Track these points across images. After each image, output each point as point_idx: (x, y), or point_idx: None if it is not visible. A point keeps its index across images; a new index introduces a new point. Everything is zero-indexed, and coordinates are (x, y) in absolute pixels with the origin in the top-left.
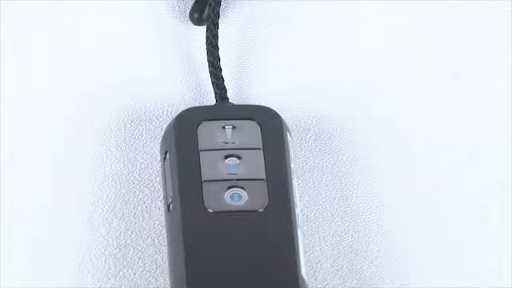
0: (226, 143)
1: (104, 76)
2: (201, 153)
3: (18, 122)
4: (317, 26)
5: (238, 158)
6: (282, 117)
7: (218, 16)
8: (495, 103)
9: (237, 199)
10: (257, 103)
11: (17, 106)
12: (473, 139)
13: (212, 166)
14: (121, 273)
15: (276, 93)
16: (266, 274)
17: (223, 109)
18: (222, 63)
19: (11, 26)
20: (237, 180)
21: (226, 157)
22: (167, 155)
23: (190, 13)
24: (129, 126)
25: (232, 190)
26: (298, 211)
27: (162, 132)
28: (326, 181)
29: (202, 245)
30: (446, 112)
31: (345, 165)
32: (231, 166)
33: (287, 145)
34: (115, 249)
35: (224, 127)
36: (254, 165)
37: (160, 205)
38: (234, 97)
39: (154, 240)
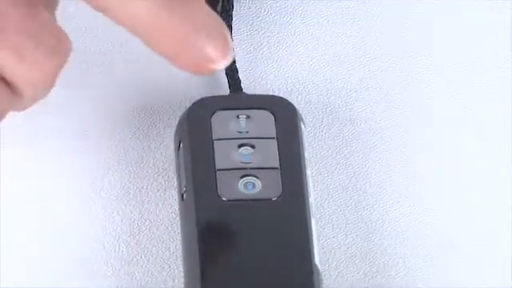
0: (240, 132)
1: (119, 64)
2: (215, 142)
3: (30, 109)
4: (331, 15)
5: (252, 147)
6: (296, 106)
7: (232, 7)
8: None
9: (250, 188)
10: (270, 93)
11: None
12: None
13: (226, 155)
14: (134, 259)
15: (290, 82)
16: (280, 263)
17: (237, 98)
18: (236, 54)
19: None
20: (250, 169)
21: (240, 146)
22: (181, 144)
23: None
24: (143, 114)
25: (246, 178)
26: (311, 200)
27: (177, 121)
28: (339, 170)
29: (216, 233)
30: (460, 104)
31: (358, 154)
32: (245, 155)
33: (301, 134)
34: (129, 236)
35: (238, 116)
36: (268, 154)
37: (174, 193)
38: (247, 87)
39: (167, 227)
